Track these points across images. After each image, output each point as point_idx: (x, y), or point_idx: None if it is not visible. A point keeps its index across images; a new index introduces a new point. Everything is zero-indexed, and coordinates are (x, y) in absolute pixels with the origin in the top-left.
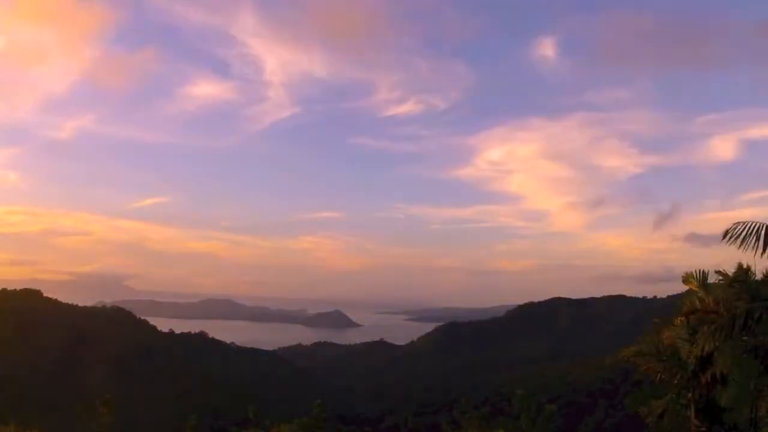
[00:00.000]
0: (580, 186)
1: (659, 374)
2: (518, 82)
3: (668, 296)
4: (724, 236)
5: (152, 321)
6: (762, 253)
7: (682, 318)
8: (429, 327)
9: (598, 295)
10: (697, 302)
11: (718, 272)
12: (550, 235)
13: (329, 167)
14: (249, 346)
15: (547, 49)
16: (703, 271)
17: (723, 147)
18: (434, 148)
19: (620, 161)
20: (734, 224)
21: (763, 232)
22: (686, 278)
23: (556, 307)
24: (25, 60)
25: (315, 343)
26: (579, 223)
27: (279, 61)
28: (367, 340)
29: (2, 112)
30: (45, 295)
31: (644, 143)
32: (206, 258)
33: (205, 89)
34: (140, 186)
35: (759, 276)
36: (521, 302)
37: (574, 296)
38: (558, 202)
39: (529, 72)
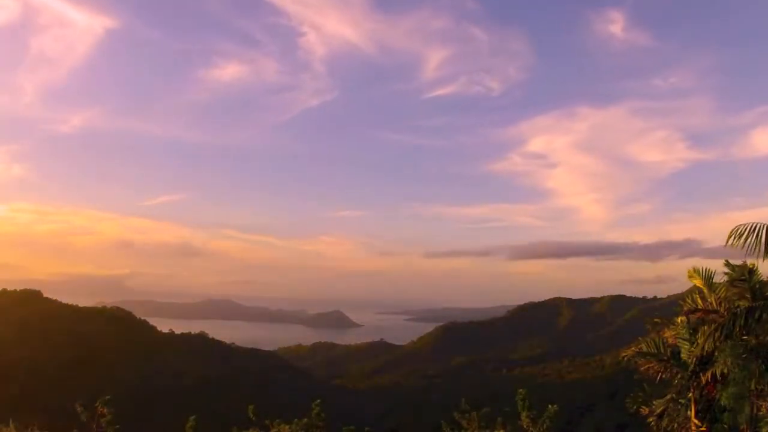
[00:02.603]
0: (614, 183)
1: (660, 374)
2: (576, 62)
3: (668, 296)
4: (728, 239)
5: (152, 321)
6: (764, 255)
7: (683, 317)
8: (429, 327)
9: (598, 295)
10: (699, 301)
11: (726, 264)
12: (570, 235)
13: (356, 162)
14: (249, 346)
15: (614, 24)
16: (708, 268)
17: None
18: (469, 141)
19: (664, 156)
20: (736, 226)
21: (763, 233)
22: (691, 274)
23: (556, 307)
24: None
25: (315, 343)
26: (603, 223)
27: (319, 33)
28: (367, 340)
29: (5, 103)
30: (45, 295)
31: (694, 136)
32: (218, 258)
33: (228, 72)
34: (152, 183)
35: (765, 276)
36: (521, 302)
37: (574, 296)
38: (586, 200)
39: (590, 50)
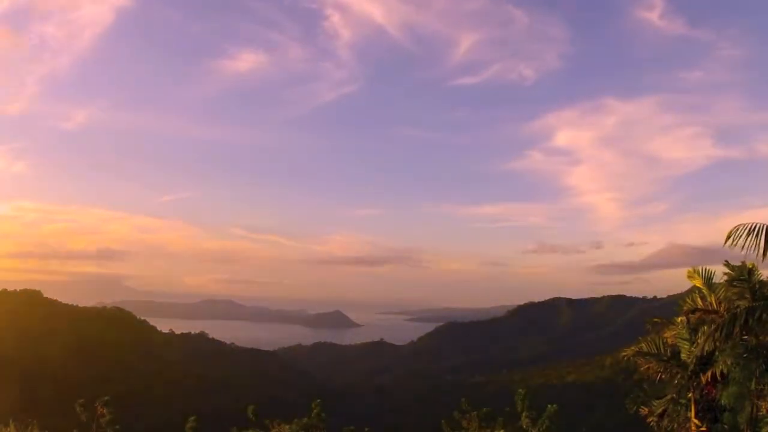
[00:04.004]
0: (634, 181)
1: (660, 374)
2: (610, 51)
3: (668, 296)
4: (726, 239)
5: (152, 321)
6: (763, 255)
7: (683, 317)
8: (429, 327)
9: (598, 295)
10: (699, 301)
11: (726, 264)
12: (581, 235)
13: (373, 159)
14: (249, 346)
15: (652, 10)
16: (708, 268)
17: None
18: (490, 136)
19: (689, 153)
20: (736, 226)
21: (763, 233)
22: (690, 274)
23: (556, 307)
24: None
25: (315, 343)
26: (617, 223)
27: (344, 15)
28: (367, 340)
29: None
30: (45, 295)
31: (722, 132)
32: (224, 257)
33: (242, 63)
34: (161, 180)
35: (765, 276)
36: (521, 302)
37: (574, 296)
38: (603, 199)
39: (625, 39)
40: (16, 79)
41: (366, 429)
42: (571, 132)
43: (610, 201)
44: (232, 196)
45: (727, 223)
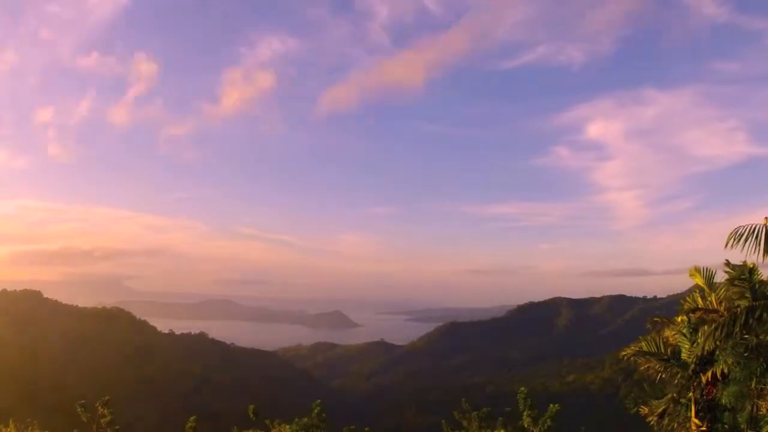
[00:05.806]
0: (659, 178)
1: (660, 373)
2: (659, 38)
3: (668, 296)
4: (727, 241)
5: (152, 321)
6: (764, 255)
7: (683, 317)
8: (429, 327)
9: (598, 295)
10: (699, 300)
11: (726, 263)
12: (599, 235)
13: (388, 157)
14: (249, 346)
15: None
16: (709, 268)
17: None
18: (515, 130)
19: (722, 149)
20: (737, 227)
21: (763, 234)
22: (692, 273)
23: (556, 307)
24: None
25: (315, 343)
26: (635, 223)
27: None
28: (367, 340)
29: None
30: (45, 295)
31: (758, 127)
32: (231, 257)
33: (260, 52)
34: (170, 178)
35: (766, 276)
36: (521, 302)
37: (574, 296)
38: (626, 197)
39: (675, 25)
40: (16, 67)
41: (366, 429)
42: (603, 124)
43: (634, 199)
44: (239, 194)
45: (747, 222)
